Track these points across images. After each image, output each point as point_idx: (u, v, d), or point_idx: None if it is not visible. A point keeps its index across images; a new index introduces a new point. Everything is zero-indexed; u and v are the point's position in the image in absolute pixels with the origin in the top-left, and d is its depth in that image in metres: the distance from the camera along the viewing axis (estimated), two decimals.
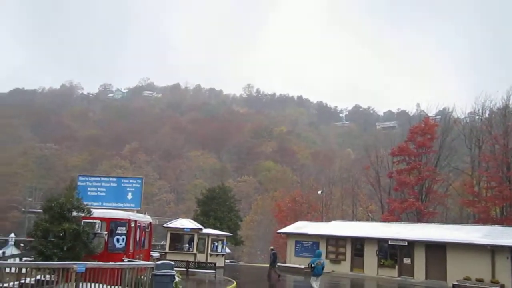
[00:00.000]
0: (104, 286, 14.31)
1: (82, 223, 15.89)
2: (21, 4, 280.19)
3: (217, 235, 33.54)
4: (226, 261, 41.20)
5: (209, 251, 31.98)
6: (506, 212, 40.48)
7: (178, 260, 23.46)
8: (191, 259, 25.59)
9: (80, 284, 13.55)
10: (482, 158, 43.02)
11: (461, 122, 51.03)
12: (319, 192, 49.07)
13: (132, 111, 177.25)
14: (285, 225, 44.35)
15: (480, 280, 26.08)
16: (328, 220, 44.34)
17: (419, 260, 29.54)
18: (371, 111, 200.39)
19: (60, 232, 13.91)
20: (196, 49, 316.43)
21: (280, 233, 41.09)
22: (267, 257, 68.72)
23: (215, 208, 43.55)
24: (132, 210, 18.44)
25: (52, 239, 14.02)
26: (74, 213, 14.92)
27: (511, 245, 26.28)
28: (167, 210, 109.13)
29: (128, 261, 15.84)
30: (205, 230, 33.84)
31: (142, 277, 15.14)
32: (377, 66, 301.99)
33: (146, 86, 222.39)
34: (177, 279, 15.90)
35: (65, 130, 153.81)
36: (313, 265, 18.00)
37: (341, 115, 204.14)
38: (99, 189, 18.54)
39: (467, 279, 26.50)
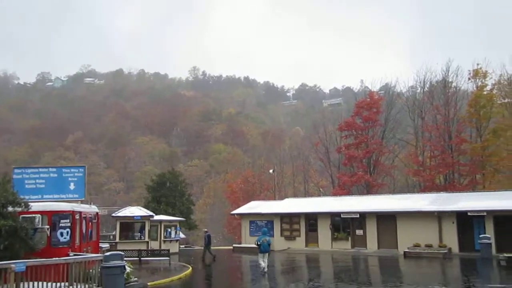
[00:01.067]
0: (50, 284, 13.41)
1: (20, 218, 14.81)
2: None
3: (170, 221, 32.78)
4: (181, 246, 40.59)
5: (162, 238, 31.20)
6: (449, 179, 42.24)
7: (130, 250, 22.65)
8: (144, 247, 24.82)
9: (22, 284, 12.60)
10: (425, 128, 44.50)
11: (403, 96, 52.46)
12: (271, 171, 49.15)
13: (74, 99, 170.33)
14: (239, 206, 44.15)
15: (429, 246, 27.06)
16: (281, 198, 44.55)
17: (371, 230, 30.25)
18: (317, 89, 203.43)
19: None
20: (138, 33, 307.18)
21: (233, 214, 40.82)
22: (222, 239, 68.85)
23: (166, 193, 42.52)
24: (76, 201, 17.40)
25: None
26: (10, 209, 13.81)
27: (456, 210, 27.41)
28: (117, 199, 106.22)
29: (74, 255, 14.92)
30: (157, 217, 32.96)
31: (92, 270, 14.35)
32: (321, 44, 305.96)
33: (87, 73, 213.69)
34: (128, 269, 15.17)
35: (2, 123, 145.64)
36: (259, 243, 18.72)
37: (288, 94, 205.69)
38: (37, 181, 17.34)
39: (416, 245, 27.42)
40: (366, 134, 46.36)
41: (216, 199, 78.22)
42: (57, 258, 13.61)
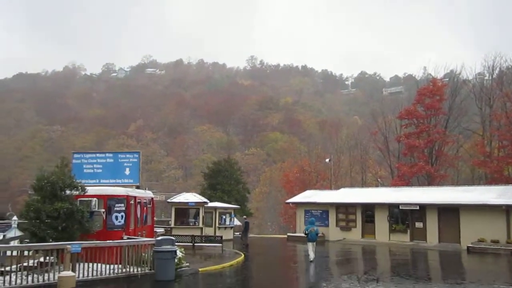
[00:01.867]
0: (104, 265, 13.76)
1: (78, 201, 15.29)
2: None
3: (225, 208, 33.03)
4: (236, 233, 40.91)
5: (217, 225, 31.51)
6: None
7: (184, 235, 22.95)
8: (198, 233, 25.09)
9: (78, 265, 12.98)
10: (493, 116, 41.79)
11: (470, 83, 49.54)
12: (327, 160, 48.22)
13: (136, 89, 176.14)
14: (294, 195, 43.72)
15: (496, 241, 25.35)
16: (337, 188, 43.58)
17: (432, 223, 28.83)
18: (377, 77, 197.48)
19: (52, 212, 13.24)
20: (197, 24, 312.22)
21: (288, 203, 40.47)
22: (277, 228, 68.83)
23: (222, 181, 43.00)
24: (131, 186, 17.77)
25: (46, 220, 13.37)
26: (68, 192, 14.26)
27: None
28: (176, 186, 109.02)
29: (128, 238, 15.24)
30: (212, 204, 33.34)
31: (144, 254, 14.59)
32: (382, 31, 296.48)
33: (148, 64, 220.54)
34: (180, 254, 15.30)
35: (70, 112, 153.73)
36: (306, 232, 19.55)
37: (346, 82, 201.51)
38: (95, 166, 17.87)
39: (481, 240, 25.78)
40: (428, 123, 44.28)
41: (272, 187, 78.23)
42: (111, 241, 13.94)
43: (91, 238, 14.59)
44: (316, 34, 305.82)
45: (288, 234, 36.58)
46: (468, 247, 25.41)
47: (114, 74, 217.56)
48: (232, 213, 33.82)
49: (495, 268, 19.85)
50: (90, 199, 15.53)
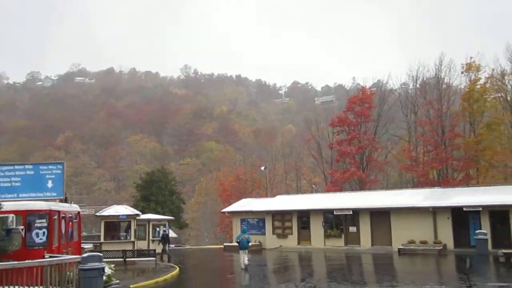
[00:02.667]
0: None
1: None
2: None
3: (158, 220, 31.99)
4: (171, 245, 39.69)
5: (150, 237, 30.36)
6: (443, 174, 41.71)
7: (115, 250, 21.76)
8: (130, 247, 23.91)
9: None
10: (418, 123, 43.98)
11: (396, 92, 51.82)
12: (262, 168, 48.37)
13: (64, 98, 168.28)
14: (230, 204, 43.31)
15: (424, 242, 26.44)
16: (273, 196, 43.72)
17: (365, 227, 29.56)
18: (309, 87, 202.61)
19: None
20: (129, 33, 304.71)
21: (224, 212, 39.98)
22: (214, 238, 67.98)
23: (156, 192, 41.70)
24: (54, 200, 16.47)
25: None
26: None
27: (451, 205, 26.79)
28: (108, 199, 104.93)
29: (50, 257, 14.02)
30: (145, 215, 32.18)
31: (70, 273, 13.47)
32: (313, 42, 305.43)
33: (77, 72, 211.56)
34: (108, 271, 14.33)
35: None
36: (238, 240, 20.63)
37: (280, 92, 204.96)
38: (13, 179, 16.35)
39: (411, 242, 26.79)
40: (358, 130, 45.75)
41: (208, 197, 77.37)
42: (29, 261, 12.69)
43: (8, 258, 13.27)
44: (250, 43, 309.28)
45: (225, 244, 36.13)
46: (399, 249, 26.23)
47: (40, 83, 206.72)
48: (167, 225, 32.72)
49: (425, 268, 20.56)
50: (6, 215, 14.15)
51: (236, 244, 21.12)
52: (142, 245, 28.93)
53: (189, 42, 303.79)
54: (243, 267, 19.54)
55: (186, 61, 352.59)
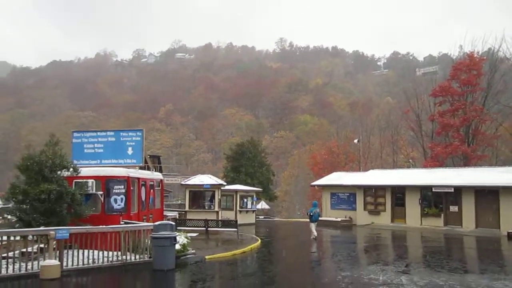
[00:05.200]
0: (98, 253, 12.53)
1: (73, 183, 14.10)
2: None
3: (246, 191, 31.59)
4: (261, 217, 39.55)
5: (238, 208, 30.18)
6: None
7: (197, 219, 21.67)
8: (214, 217, 23.77)
9: (67, 252, 11.79)
10: None
11: (509, 61, 45.84)
12: (355, 140, 46.05)
13: (166, 74, 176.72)
14: (322, 178, 41.91)
15: None
16: (367, 170, 41.51)
17: (468, 207, 26.56)
18: (411, 57, 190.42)
19: (38, 195, 12.02)
20: (225, 7, 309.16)
21: (314, 185, 38.69)
22: (305, 212, 67.25)
23: (245, 163, 41.55)
24: (134, 166, 16.47)
25: (33, 203, 12.19)
26: (58, 172, 13.03)
27: None
28: (206, 170, 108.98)
29: (125, 223, 13.95)
30: (233, 186, 32.12)
31: (146, 240, 13.30)
32: (413, 7, 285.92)
33: (178, 49, 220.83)
34: (183, 240, 13.94)
35: (102, 98, 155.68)
36: (310, 214, 22.05)
37: (379, 63, 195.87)
38: (96, 145, 16.65)
39: None
40: (464, 100, 41.28)
41: (300, 170, 76.56)
42: (103, 226, 12.69)
43: (85, 222, 13.41)
44: (346, 13, 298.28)
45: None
46: (508, 233, 23.16)
47: (145, 59, 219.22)
48: (254, 196, 32.35)
49: None
50: (86, 180, 14.33)
51: (308, 216, 22.48)
52: (229, 215, 28.89)
53: (285, 15, 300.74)
54: (313, 237, 21.36)
55: (281, 34, 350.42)
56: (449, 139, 41.83)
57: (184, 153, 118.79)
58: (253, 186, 36.96)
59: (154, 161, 41.04)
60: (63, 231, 11.43)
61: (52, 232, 11.03)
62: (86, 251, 12.32)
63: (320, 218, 32.83)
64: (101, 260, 12.37)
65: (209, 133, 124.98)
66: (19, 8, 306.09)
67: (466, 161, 39.23)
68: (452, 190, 26.96)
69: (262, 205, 45.59)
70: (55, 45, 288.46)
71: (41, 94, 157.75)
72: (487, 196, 25.85)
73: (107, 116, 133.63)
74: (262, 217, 40.55)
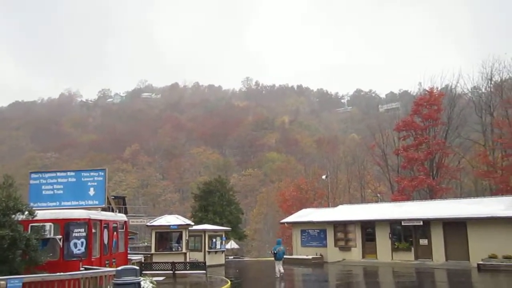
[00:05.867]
0: None
1: (30, 227, 13.21)
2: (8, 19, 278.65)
3: (215, 231, 30.78)
4: (230, 257, 38.52)
5: (206, 249, 29.25)
6: None
7: (164, 262, 20.70)
8: (181, 259, 22.84)
9: None
10: (495, 124, 39.85)
11: (468, 92, 47.67)
12: (324, 176, 46.17)
13: (132, 113, 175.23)
14: (291, 215, 41.49)
15: (508, 257, 23.09)
16: (335, 206, 41.43)
17: (437, 240, 26.61)
18: (373, 94, 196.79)
19: None
20: (191, 47, 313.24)
21: (283, 223, 38.20)
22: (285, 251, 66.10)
23: (214, 202, 40.80)
24: (96, 208, 15.66)
25: None
26: (13, 216, 12.16)
27: None
28: (173, 210, 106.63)
29: (85, 269, 13.06)
30: (201, 226, 31.32)
31: (109, 287, 12.43)
32: (376, 47, 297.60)
33: (144, 88, 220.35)
34: (148, 286, 13.14)
35: (65, 138, 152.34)
36: (275, 252, 21.94)
37: (342, 101, 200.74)
38: (55, 186, 15.80)
39: (492, 257, 23.55)
40: (426, 134, 42.36)
41: (269, 208, 75.97)
42: (60, 274, 11.76)
43: (41, 270, 12.45)
44: (310, 52, 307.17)
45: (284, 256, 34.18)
46: (478, 264, 23.20)
47: (110, 99, 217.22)
48: (223, 236, 31.52)
49: None
50: (43, 224, 13.42)
51: (272, 254, 22.52)
52: (198, 256, 27.92)
53: (250, 54, 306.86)
54: (277, 276, 21.33)
55: (247, 73, 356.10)
56: (415, 173, 42.52)
57: (150, 194, 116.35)
58: (222, 225, 36.18)
59: (119, 202, 39.72)
60: (15, 281, 10.50)
61: (2, 282, 10.12)
62: None
63: (291, 256, 32.67)
64: None
65: (176, 173, 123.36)
66: None
67: (432, 194, 39.80)
68: (421, 223, 27.04)
69: (232, 244, 44.53)
70: (17, 85, 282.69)
71: (2, 135, 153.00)
72: (455, 228, 26.00)
73: (71, 157, 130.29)
74: (232, 257, 39.50)
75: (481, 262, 23.23)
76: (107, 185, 16.33)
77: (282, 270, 21.65)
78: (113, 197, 39.95)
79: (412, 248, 27.53)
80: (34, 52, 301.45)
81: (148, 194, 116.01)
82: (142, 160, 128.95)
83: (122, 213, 34.43)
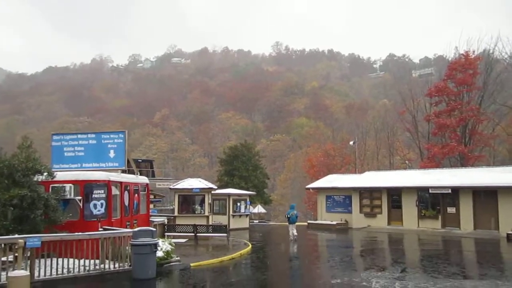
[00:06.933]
0: (74, 261, 11.78)
1: (50, 187, 13.37)
2: None
3: (239, 195, 30.89)
4: (255, 221, 38.82)
5: (231, 213, 29.45)
6: None
7: (186, 225, 20.93)
8: (204, 222, 23.02)
9: (39, 261, 11.04)
10: None
11: (505, 60, 45.23)
12: (351, 142, 45.36)
13: (162, 79, 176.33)
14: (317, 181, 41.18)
15: None
16: (363, 172, 40.81)
17: (466, 208, 25.90)
18: (406, 59, 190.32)
19: (9, 200, 11.27)
20: (221, 12, 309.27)
21: (308, 188, 37.98)
22: (301, 215, 66.41)
23: (239, 166, 40.81)
24: (116, 170, 15.73)
25: (2, 209, 11.44)
26: (33, 177, 12.29)
27: None
28: (202, 175, 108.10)
29: (104, 229, 13.21)
30: (226, 190, 31.44)
31: (127, 247, 12.56)
32: (409, 9, 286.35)
33: (174, 53, 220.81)
34: (166, 247, 13.22)
35: (97, 103, 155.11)
36: (288, 216, 23.00)
37: (374, 66, 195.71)
38: (76, 148, 15.89)
39: None
40: (460, 100, 40.69)
41: (297, 173, 75.83)
42: (79, 233, 11.93)
43: (62, 229, 12.67)
44: (341, 16, 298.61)
45: (308, 221, 34.26)
46: (508, 234, 22.49)
47: (140, 64, 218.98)
48: (248, 200, 31.62)
49: None
50: (63, 185, 13.58)
51: (286, 218, 23.61)
52: (222, 220, 28.14)
53: (281, 18, 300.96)
54: (291, 239, 22.18)
55: (277, 38, 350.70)
56: (446, 140, 41.22)
57: (180, 158, 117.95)
58: (247, 189, 36.26)
59: (146, 166, 40.28)
60: (34, 239, 10.68)
61: (20, 241, 10.28)
62: (60, 260, 11.60)
63: (315, 222, 32.68)
64: (77, 269, 11.65)
65: (205, 137, 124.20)
66: (14, 13, 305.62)
67: (463, 162, 38.61)
68: (450, 191, 26.32)
69: (259, 209, 44.85)
70: (51, 51, 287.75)
71: (37, 100, 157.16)
72: (486, 197, 25.22)
73: (103, 121, 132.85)
74: (257, 221, 39.80)
75: (510, 232, 22.49)
76: (129, 147, 16.33)
77: (295, 233, 22.49)
78: (141, 160, 40.56)
79: (440, 216, 26.94)
80: (66, 19, 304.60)
81: (178, 159, 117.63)
82: (172, 125, 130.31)
83: (149, 176, 34.96)
